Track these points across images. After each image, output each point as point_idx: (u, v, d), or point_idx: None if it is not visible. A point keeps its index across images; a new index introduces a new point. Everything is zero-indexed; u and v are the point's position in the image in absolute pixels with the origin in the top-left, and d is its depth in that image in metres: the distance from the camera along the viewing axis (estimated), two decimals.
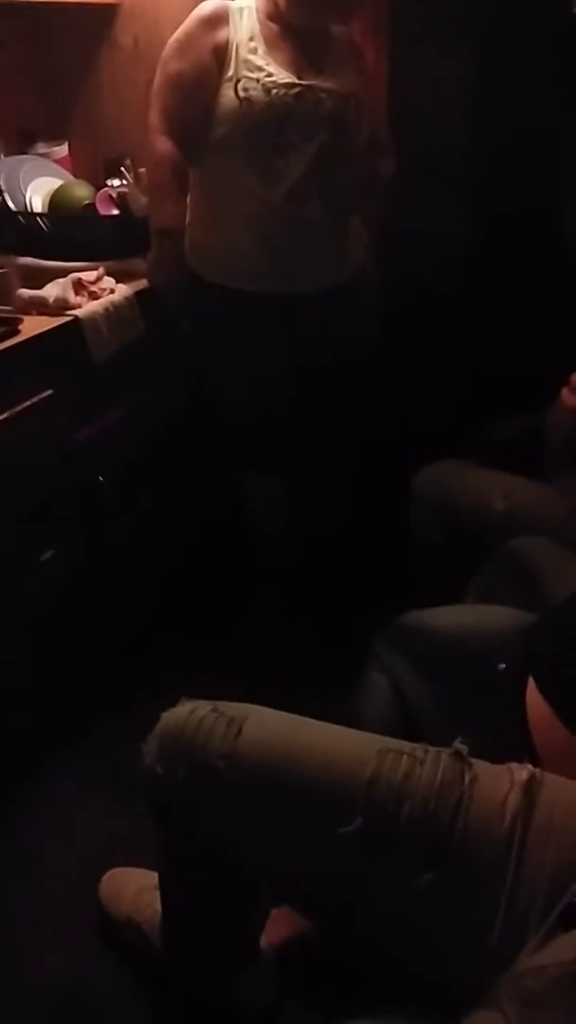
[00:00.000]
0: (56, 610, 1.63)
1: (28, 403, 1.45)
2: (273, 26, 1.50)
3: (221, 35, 1.47)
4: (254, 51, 1.46)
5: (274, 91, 1.45)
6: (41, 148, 2.01)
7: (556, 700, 0.89)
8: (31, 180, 1.90)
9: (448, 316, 2.27)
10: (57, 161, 2.03)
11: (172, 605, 1.99)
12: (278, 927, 1.18)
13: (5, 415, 1.41)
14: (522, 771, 0.80)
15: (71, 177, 2.00)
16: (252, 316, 1.62)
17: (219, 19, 1.48)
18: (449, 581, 1.42)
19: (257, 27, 1.48)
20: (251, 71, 1.46)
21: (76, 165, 2.08)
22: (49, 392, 1.49)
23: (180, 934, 1.11)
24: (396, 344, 2.10)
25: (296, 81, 1.47)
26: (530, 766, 0.81)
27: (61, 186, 1.89)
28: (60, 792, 1.58)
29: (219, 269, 1.62)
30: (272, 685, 1.70)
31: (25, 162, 1.92)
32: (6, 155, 1.93)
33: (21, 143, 1.99)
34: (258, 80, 1.45)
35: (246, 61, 1.46)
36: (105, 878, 1.35)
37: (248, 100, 1.44)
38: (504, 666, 0.98)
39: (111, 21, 1.96)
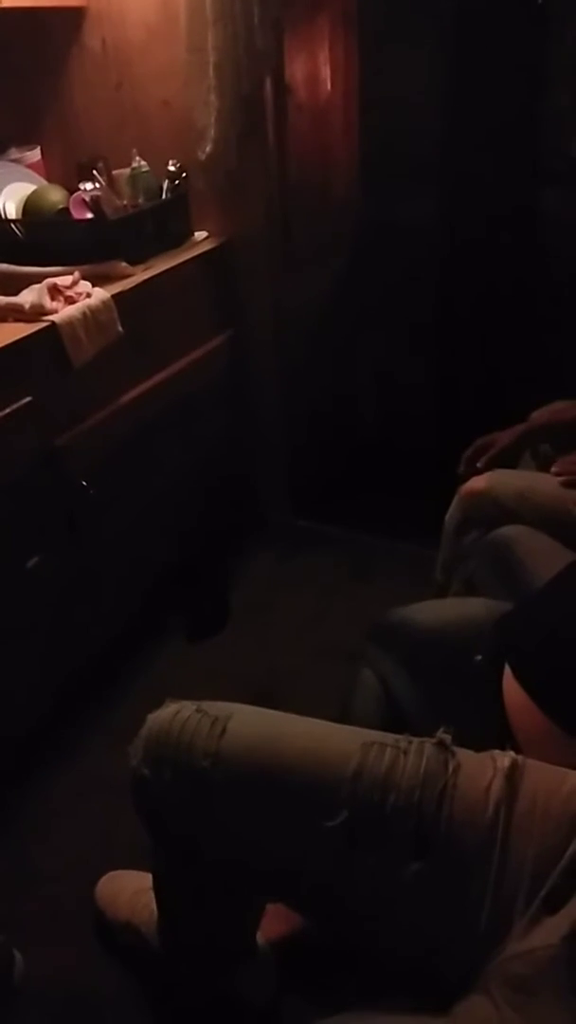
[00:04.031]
0: (42, 616, 1.63)
1: (7, 410, 1.44)
2: None
3: None
4: None
5: None
6: (13, 153, 2.01)
7: (533, 688, 0.90)
8: (4, 186, 1.90)
9: (423, 307, 2.29)
10: (30, 166, 2.03)
11: (158, 608, 1.99)
12: (275, 923, 1.19)
13: None
14: (504, 758, 0.81)
15: (44, 182, 1.99)
16: None
17: None
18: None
19: None
20: None
21: (49, 169, 2.08)
22: (28, 399, 1.48)
23: (177, 934, 1.11)
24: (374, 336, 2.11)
25: None
26: (512, 753, 0.81)
27: (34, 191, 1.89)
28: (53, 798, 1.58)
29: None
30: (259, 685, 1.73)
31: None
32: None
33: None
34: None
35: None
36: (101, 882, 1.35)
37: None
38: (480, 657, 0.99)
39: (79, 24, 1.96)
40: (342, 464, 2.56)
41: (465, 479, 1.49)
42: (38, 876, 1.44)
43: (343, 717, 1.18)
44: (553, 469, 1.43)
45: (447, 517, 1.55)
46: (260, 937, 1.15)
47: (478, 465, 1.45)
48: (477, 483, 1.47)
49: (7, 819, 1.55)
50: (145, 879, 1.22)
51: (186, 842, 0.91)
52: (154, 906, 1.14)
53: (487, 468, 1.44)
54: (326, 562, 2.21)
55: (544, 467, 1.49)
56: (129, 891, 1.29)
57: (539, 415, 1.49)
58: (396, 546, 2.19)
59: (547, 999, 0.69)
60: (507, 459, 1.47)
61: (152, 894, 1.13)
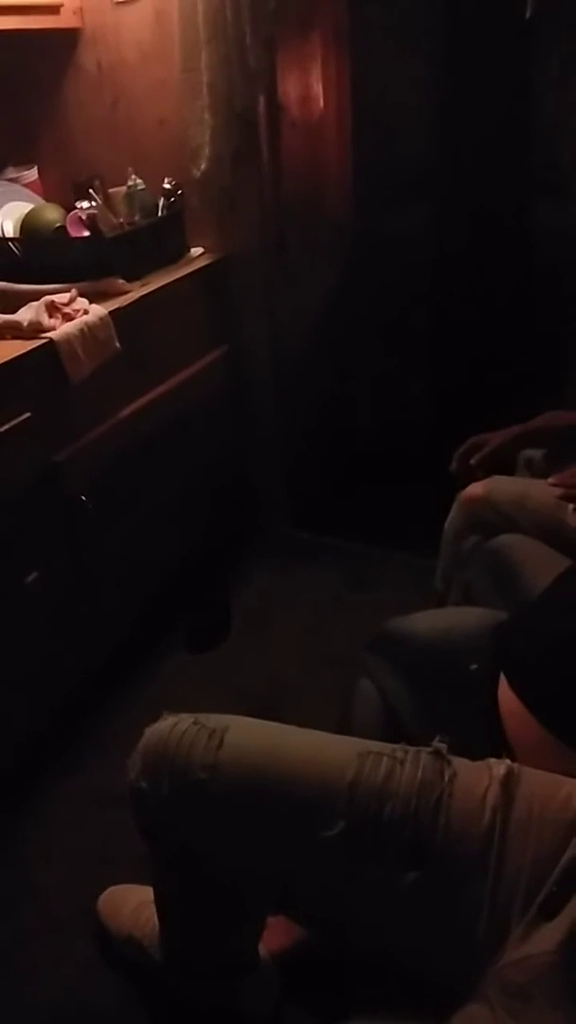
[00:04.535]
0: (42, 631, 1.63)
1: (6, 427, 1.46)
2: None
3: None
4: None
5: None
6: (11, 173, 2.04)
7: (528, 697, 0.90)
8: (1, 205, 1.92)
9: (418, 318, 2.31)
10: (27, 185, 2.05)
11: (158, 621, 2.00)
12: (276, 935, 1.19)
13: None
14: (500, 766, 0.81)
15: (41, 200, 2.02)
16: None
17: None
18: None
19: None
20: None
21: (46, 188, 2.10)
22: (27, 415, 1.50)
23: (178, 947, 1.11)
24: (369, 347, 2.12)
25: None
26: (508, 761, 0.82)
27: (32, 210, 1.91)
28: (54, 812, 1.58)
29: None
30: (260, 697, 1.73)
31: None
32: None
33: None
34: None
35: None
36: (103, 896, 1.35)
37: None
38: (476, 666, 0.99)
39: (74, 46, 1.99)
40: (340, 475, 2.57)
41: (458, 477, 1.49)
42: (39, 890, 1.44)
43: (342, 727, 1.19)
44: (550, 481, 1.44)
45: (446, 524, 1.55)
46: (262, 949, 1.15)
47: (471, 463, 1.45)
48: (475, 489, 1.48)
49: (8, 833, 1.55)
50: (147, 893, 1.22)
51: (185, 854, 0.91)
52: (156, 920, 1.14)
53: (480, 466, 1.44)
54: (326, 573, 2.22)
55: (537, 477, 1.50)
56: (131, 905, 1.29)
57: (536, 420, 1.50)
58: (395, 556, 2.20)
59: (543, 1005, 0.69)
60: (500, 460, 1.47)
61: (153, 907, 1.13)
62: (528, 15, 1.61)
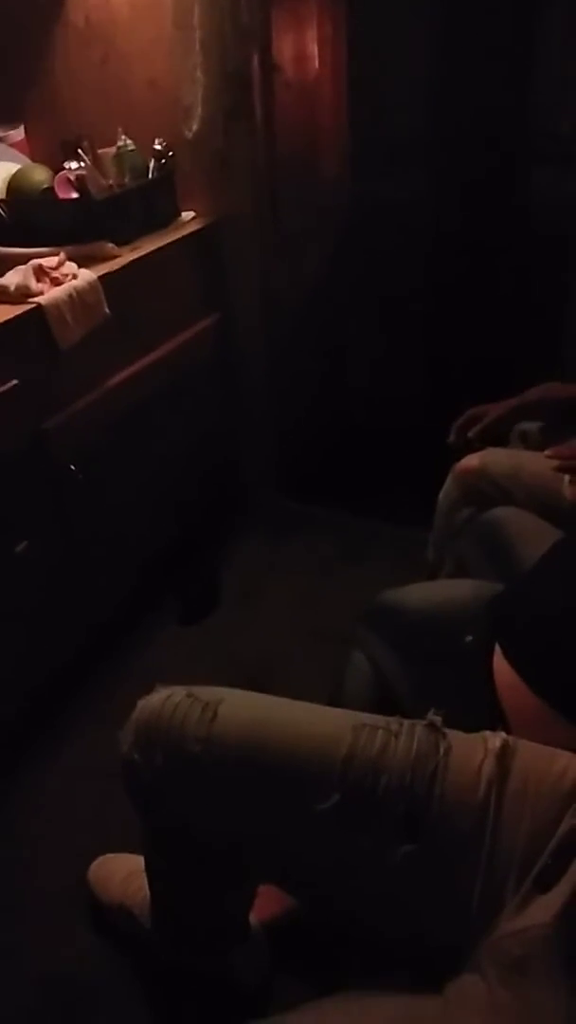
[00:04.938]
0: (32, 600, 1.62)
1: None
2: None
3: None
4: None
5: None
6: None
7: (524, 668, 0.90)
8: None
9: (413, 286, 2.28)
10: (13, 145, 2.00)
11: (149, 591, 1.99)
12: (267, 904, 1.20)
13: None
14: (495, 739, 0.81)
15: (28, 161, 1.97)
16: None
17: None
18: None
19: None
20: None
21: (33, 148, 2.05)
22: (15, 382, 1.47)
23: (169, 917, 1.12)
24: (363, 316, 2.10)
25: None
26: (503, 734, 0.81)
27: (19, 170, 1.86)
28: (44, 782, 1.58)
29: None
30: (251, 669, 1.73)
31: None
32: None
33: None
34: None
35: None
36: (94, 865, 1.35)
37: None
38: (471, 638, 0.99)
39: (62, 1, 1.92)
40: (332, 446, 2.55)
41: (455, 448, 1.48)
42: (31, 857, 1.44)
43: (335, 700, 1.18)
44: (547, 453, 1.43)
45: (441, 495, 1.55)
46: (253, 918, 1.16)
47: (469, 435, 1.44)
48: (471, 461, 1.48)
49: None
50: (137, 861, 1.22)
51: (178, 827, 0.91)
52: (147, 889, 1.14)
53: (477, 438, 1.44)
54: (317, 544, 2.21)
55: (532, 449, 1.49)
56: (122, 874, 1.29)
57: (532, 392, 1.49)
58: (386, 528, 2.19)
59: (539, 978, 0.69)
60: (498, 432, 1.47)
61: (145, 877, 1.13)
62: None
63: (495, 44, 2.13)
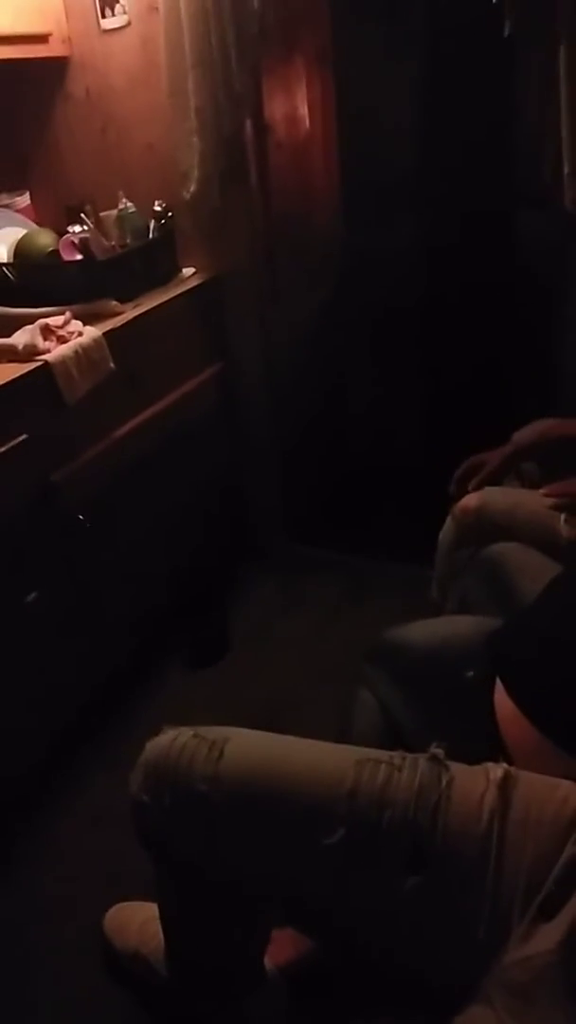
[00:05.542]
0: (45, 650, 1.64)
1: (4, 448, 1.47)
2: None
3: None
4: None
5: None
6: (3, 199, 2.07)
7: (524, 702, 0.91)
8: None
9: (409, 329, 2.33)
10: (20, 211, 2.08)
11: (158, 638, 2.01)
12: (283, 948, 1.19)
13: None
14: (497, 770, 0.82)
15: (34, 225, 2.04)
16: None
17: None
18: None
19: None
20: None
21: (38, 213, 2.13)
22: (24, 436, 1.51)
23: (184, 962, 1.12)
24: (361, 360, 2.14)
25: None
26: (505, 765, 0.83)
27: (25, 235, 1.93)
28: (59, 830, 1.59)
29: None
30: (261, 712, 1.74)
31: None
32: None
33: None
34: None
35: None
36: (110, 913, 1.35)
37: None
38: (472, 673, 1.00)
39: (63, 73, 2.02)
40: (336, 489, 2.59)
41: (457, 499, 1.52)
42: (46, 907, 1.45)
43: (342, 738, 1.19)
44: (542, 491, 1.45)
45: (441, 535, 1.57)
46: (268, 962, 1.15)
47: (469, 488, 1.48)
48: (470, 501, 1.50)
49: (15, 851, 1.55)
50: (153, 909, 1.22)
51: (188, 866, 0.92)
52: (162, 935, 1.14)
53: (477, 489, 1.47)
54: (323, 586, 2.23)
55: (529, 487, 1.52)
56: (137, 921, 1.29)
57: (522, 435, 1.52)
58: (391, 568, 2.21)
59: (545, 1005, 0.70)
60: (496, 480, 1.50)
61: (159, 923, 1.13)
62: (506, 34, 1.64)
63: (477, 97, 2.21)
